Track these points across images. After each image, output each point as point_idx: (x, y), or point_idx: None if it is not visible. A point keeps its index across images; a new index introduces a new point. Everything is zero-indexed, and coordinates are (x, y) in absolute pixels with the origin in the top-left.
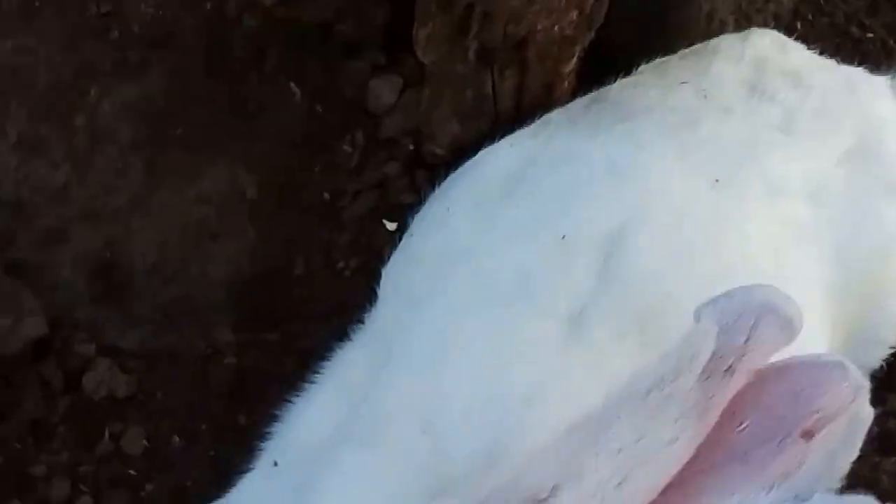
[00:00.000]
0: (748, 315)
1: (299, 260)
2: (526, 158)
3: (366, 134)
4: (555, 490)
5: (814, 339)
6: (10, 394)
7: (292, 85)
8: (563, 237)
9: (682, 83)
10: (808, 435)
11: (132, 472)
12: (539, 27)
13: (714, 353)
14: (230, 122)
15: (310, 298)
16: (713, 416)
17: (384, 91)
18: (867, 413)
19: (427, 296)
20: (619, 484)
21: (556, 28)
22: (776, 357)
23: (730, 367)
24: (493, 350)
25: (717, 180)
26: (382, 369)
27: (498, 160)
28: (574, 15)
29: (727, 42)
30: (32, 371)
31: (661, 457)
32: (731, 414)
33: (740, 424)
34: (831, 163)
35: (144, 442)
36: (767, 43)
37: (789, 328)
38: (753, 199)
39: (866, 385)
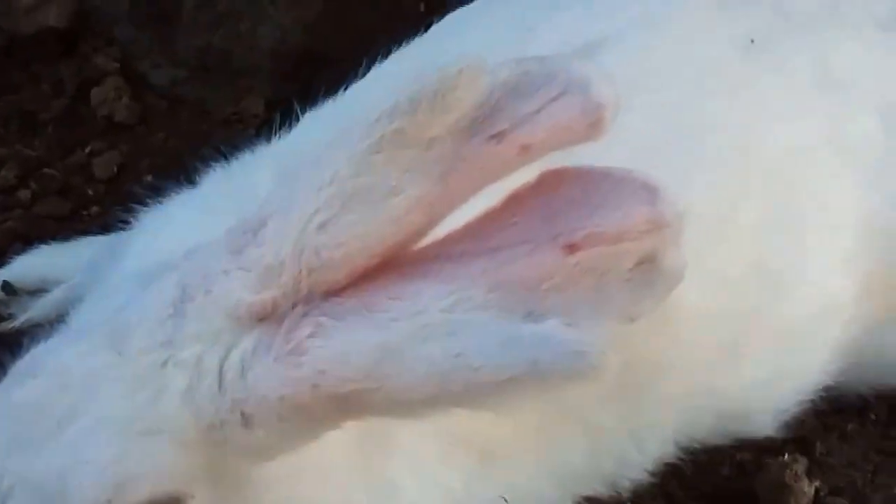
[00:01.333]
0: (553, 86)
1: (367, 60)
2: None
3: None
4: (263, 221)
5: (823, 274)
6: (17, 76)
7: None
8: (530, 29)
9: None
10: (571, 248)
11: (89, 191)
12: None
13: (486, 109)
14: None
15: None
16: (460, 187)
17: None
18: (669, 261)
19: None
20: (322, 225)
21: None
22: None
23: (500, 133)
24: None
25: (752, 40)
26: None
27: None
28: None
29: None
30: (49, 65)
31: (378, 208)
32: (506, 209)
33: (511, 221)
34: None
35: (115, 169)
36: None
37: (595, 117)
38: (796, 80)
39: (677, 225)
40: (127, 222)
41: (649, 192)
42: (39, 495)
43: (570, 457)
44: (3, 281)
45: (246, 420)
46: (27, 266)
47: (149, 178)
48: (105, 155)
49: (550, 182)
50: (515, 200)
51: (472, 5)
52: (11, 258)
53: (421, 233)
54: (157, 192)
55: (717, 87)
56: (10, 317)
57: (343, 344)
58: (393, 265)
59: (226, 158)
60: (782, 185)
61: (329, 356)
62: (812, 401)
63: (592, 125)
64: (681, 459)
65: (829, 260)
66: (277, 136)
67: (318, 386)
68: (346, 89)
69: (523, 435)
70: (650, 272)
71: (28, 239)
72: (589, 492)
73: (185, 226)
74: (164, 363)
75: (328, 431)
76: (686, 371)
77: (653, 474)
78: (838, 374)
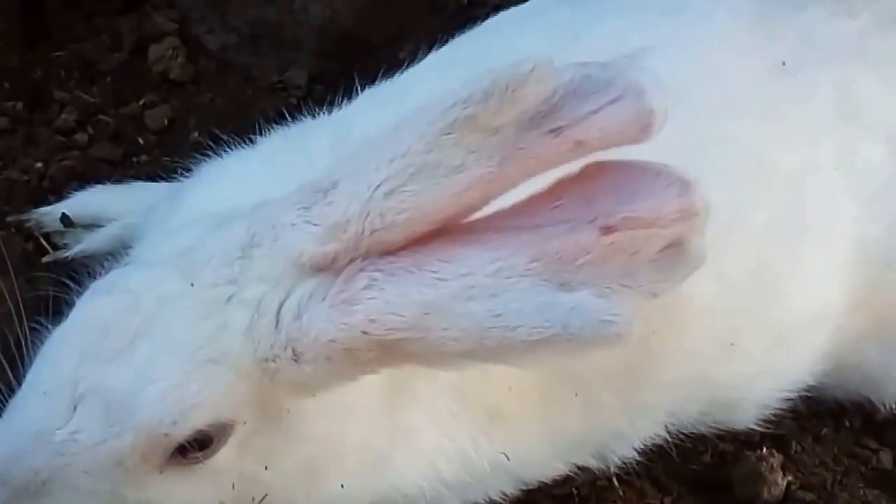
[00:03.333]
0: (611, 90)
1: (408, 46)
2: None
3: None
4: (334, 184)
5: (817, 284)
6: (80, 27)
7: None
8: (576, 36)
9: None
10: (607, 230)
11: (140, 139)
12: None
13: (548, 105)
14: None
15: None
16: (516, 172)
17: None
18: (694, 247)
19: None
20: (389, 192)
21: None
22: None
23: (559, 128)
24: None
25: (783, 63)
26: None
27: None
28: None
29: None
30: (110, 19)
31: (442, 182)
32: (552, 192)
33: (555, 203)
34: None
35: (166, 121)
36: None
37: (645, 122)
38: (817, 105)
39: (704, 216)
40: (181, 173)
41: (682, 184)
42: (107, 406)
43: (568, 424)
44: (62, 213)
45: (297, 357)
46: (83, 202)
47: (196, 134)
48: (157, 108)
49: (593, 171)
50: (560, 185)
51: (520, 8)
52: (69, 194)
53: (475, 207)
54: (202, 148)
55: (744, 103)
56: (65, 246)
57: (393, 297)
58: (445, 232)
59: (271, 125)
60: (791, 198)
61: (379, 307)
62: (792, 401)
63: (642, 129)
64: (667, 443)
65: (824, 272)
66: (327, 108)
67: (367, 333)
68: (401, 72)
69: (528, 400)
70: (676, 255)
71: (84, 178)
72: (581, 461)
73: (245, 179)
74: (230, 299)
75: (365, 375)
76: (685, 358)
77: (640, 454)
78: (820, 379)
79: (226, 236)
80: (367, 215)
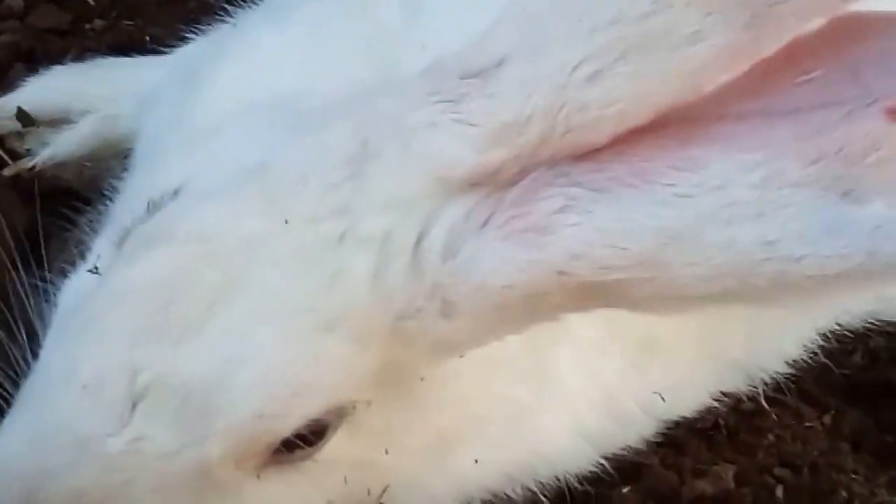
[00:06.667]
0: None
1: None
2: None
3: None
4: (498, 63)
5: None
6: None
7: None
8: None
9: None
10: (893, 114)
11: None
12: None
13: None
14: None
15: None
16: (765, 39)
17: None
18: None
19: None
20: (594, 76)
21: None
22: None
23: None
24: None
25: None
26: None
27: None
28: None
29: None
30: None
31: (670, 58)
32: (792, 57)
33: (803, 75)
34: None
35: None
36: None
37: None
38: None
39: None
40: (153, 41)
41: None
42: (182, 402)
43: (728, 345)
44: (17, 108)
45: (448, 309)
46: (42, 90)
47: None
48: None
49: (847, 31)
50: (800, 49)
51: None
52: (19, 81)
53: (700, 92)
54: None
55: None
56: (28, 153)
57: (608, 222)
58: (658, 127)
59: None
60: None
61: (588, 237)
62: None
63: None
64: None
65: None
66: None
67: (566, 273)
68: None
69: (687, 320)
70: None
71: (30, 57)
72: (731, 387)
73: (288, 55)
74: (341, 237)
75: (537, 324)
76: None
77: (790, 366)
78: None
79: (318, 147)
80: (562, 108)
